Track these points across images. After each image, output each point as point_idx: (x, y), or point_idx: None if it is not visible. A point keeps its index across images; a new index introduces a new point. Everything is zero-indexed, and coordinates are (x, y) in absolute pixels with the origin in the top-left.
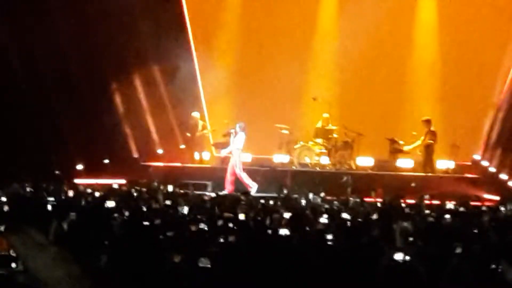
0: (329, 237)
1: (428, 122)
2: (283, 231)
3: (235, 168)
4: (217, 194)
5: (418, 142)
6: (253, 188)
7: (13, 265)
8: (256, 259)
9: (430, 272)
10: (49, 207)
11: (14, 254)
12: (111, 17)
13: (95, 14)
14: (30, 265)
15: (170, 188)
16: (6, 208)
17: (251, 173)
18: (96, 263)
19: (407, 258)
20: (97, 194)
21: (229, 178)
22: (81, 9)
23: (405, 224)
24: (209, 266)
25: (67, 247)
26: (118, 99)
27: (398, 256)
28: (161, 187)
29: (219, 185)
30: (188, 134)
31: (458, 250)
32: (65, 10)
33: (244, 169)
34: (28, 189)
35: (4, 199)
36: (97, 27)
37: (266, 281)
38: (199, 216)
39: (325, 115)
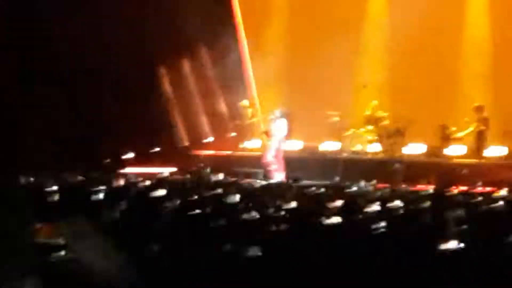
0: (381, 224)
1: (480, 108)
2: (335, 219)
3: (275, 154)
4: (268, 182)
5: (471, 129)
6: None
7: (62, 253)
8: (307, 248)
9: (483, 260)
10: (100, 196)
11: (63, 242)
12: (158, 2)
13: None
14: (79, 253)
15: (220, 176)
16: (56, 197)
17: (301, 161)
18: (147, 252)
19: (461, 245)
20: (147, 182)
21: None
22: None
23: (458, 211)
24: (259, 254)
25: (116, 237)
26: (167, 87)
27: (451, 244)
28: (212, 175)
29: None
30: (238, 122)
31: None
32: None
33: (283, 158)
34: (78, 178)
35: (55, 188)
36: (143, 13)
37: (317, 270)
38: (250, 204)
39: (374, 102)
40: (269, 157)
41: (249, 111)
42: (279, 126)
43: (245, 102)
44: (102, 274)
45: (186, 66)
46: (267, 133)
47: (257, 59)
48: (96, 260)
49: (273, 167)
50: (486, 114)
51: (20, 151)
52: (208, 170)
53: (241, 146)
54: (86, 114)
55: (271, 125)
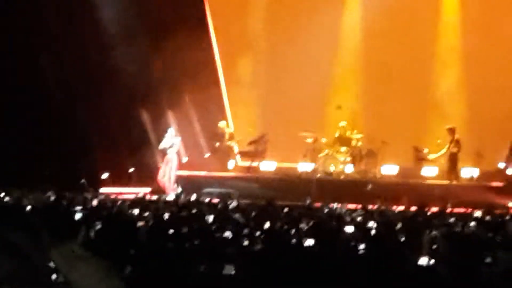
0: (355, 246)
1: (452, 130)
2: (308, 242)
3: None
4: (241, 203)
5: (443, 151)
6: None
7: (53, 276)
8: (281, 268)
9: (456, 280)
10: (77, 216)
11: (53, 266)
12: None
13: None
14: (70, 277)
15: (193, 196)
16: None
17: (276, 182)
18: (120, 272)
19: (432, 262)
20: (122, 202)
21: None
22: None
23: (432, 232)
24: (233, 273)
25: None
26: (143, 108)
27: (423, 261)
28: (184, 196)
29: (245, 194)
30: (217, 144)
31: (488, 260)
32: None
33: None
34: (52, 198)
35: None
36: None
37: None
38: (223, 225)
39: (342, 123)
40: (160, 175)
41: (227, 131)
42: (168, 144)
43: (222, 124)
44: None
45: (162, 89)
46: (242, 154)
47: (232, 81)
48: (85, 284)
49: (164, 184)
50: (458, 136)
51: None
52: (179, 190)
53: (219, 167)
54: (62, 133)
55: (163, 143)
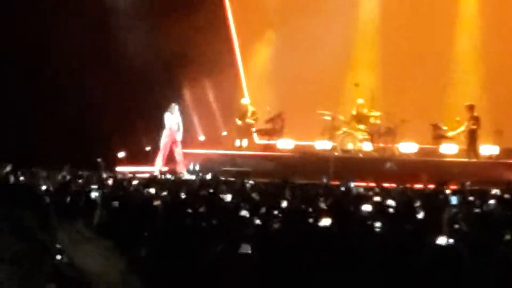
0: (373, 224)
1: (471, 107)
2: (325, 221)
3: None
4: (258, 181)
5: (462, 128)
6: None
7: (58, 257)
8: (298, 247)
9: (476, 258)
10: (93, 196)
11: (59, 246)
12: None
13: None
14: (75, 257)
15: (209, 175)
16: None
17: (293, 160)
18: (137, 253)
19: (451, 241)
20: (139, 182)
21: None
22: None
23: (451, 210)
24: (249, 252)
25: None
26: (158, 86)
27: (442, 240)
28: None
29: (262, 172)
30: (239, 122)
31: (507, 237)
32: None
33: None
34: (68, 178)
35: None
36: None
37: (306, 269)
38: (241, 204)
39: (359, 101)
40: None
41: (249, 109)
42: (169, 119)
43: (245, 101)
44: (99, 278)
45: (179, 67)
46: (260, 132)
47: (249, 59)
48: (91, 264)
49: (159, 155)
50: (477, 113)
51: (9, 148)
52: (197, 168)
53: (237, 145)
54: (78, 111)
55: (164, 117)
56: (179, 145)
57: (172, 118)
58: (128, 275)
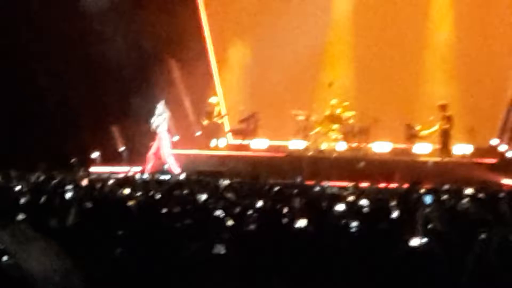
0: (347, 224)
1: (444, 107)
2: (300, 221)
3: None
4: (233, 181)
5: (435, 127)
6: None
7: (3, 258)
8: (272, 247)
9: (450, 258)
10: (67, 196)
11: (2, 247)
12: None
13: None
14: (20, 258)
15: (182, 176)
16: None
17: (267, 160)
18: (110, 253)
19: (425, 240)
20: (113, 182)
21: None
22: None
23: (426, 210)
24: (223, 252)
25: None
26: (133, 87)
27: (416, 239)
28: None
29: (236, 172)
30: (205, 121)
31: (481, 237)
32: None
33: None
34: (41, 178)
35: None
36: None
37: (281, 270)
38: (216, 204)
39: (333, 101)
40: (151, 152)
41: (216, 109)
42: (159, 122)
43: (213, 99)
44: (43, 279)
45: (153, 65)
46: (234, 132)
47: (223, 58)
48: (35, 265)
49: (149, 163)
50: (450, 112)
51: None
52: (165, 167)
53: (210, 145)
54: (52, 111)
55: (155, 120)
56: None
57: (159, 120)
58: (73, 276)
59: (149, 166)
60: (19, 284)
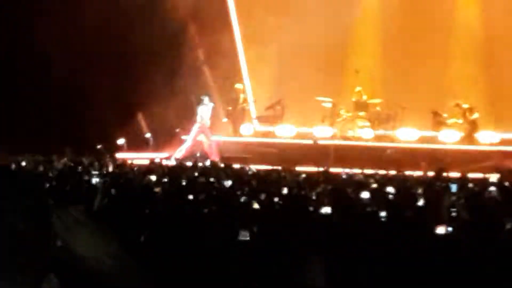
0: (372, 212)
1: (470, 109)
2: (325, 210)
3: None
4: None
5: (460, 120)
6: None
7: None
8: (297, 234)
9: (475, 246)
10: (93, 181)
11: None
12: None
13: None
14: (69, 242)
15: (208, 162)
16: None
17: (293, 147)
18: (136, 239)
19: (450, 228)
20: (138, 168)
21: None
22: None
23: (451, 198)
24: (248, 239)
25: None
26: (159, 73)
27: (441, 230)
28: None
29: (261, 159)
30: (229, 108)
31: (507, 225)
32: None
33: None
34: (68, 163)
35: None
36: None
37: (306, 256)
38: (241, 190)
39: (358, 88)
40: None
41: (241, 96)
42: (202, 112)
43: (238, 86)
44: (92, 263)
45: (180, 53)
46: (260, 119)
47: (250, 45)
48: (84, 249)
49: (182, 150)
50: (478, 100)
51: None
52: (198, 154)
53: (232, 131)
54: (79, 98)
55: (201, 111)
56: (211, 136)
57: (205, 111)
58: (125, 260)
59: (181, 153)
60: (72, 268)
